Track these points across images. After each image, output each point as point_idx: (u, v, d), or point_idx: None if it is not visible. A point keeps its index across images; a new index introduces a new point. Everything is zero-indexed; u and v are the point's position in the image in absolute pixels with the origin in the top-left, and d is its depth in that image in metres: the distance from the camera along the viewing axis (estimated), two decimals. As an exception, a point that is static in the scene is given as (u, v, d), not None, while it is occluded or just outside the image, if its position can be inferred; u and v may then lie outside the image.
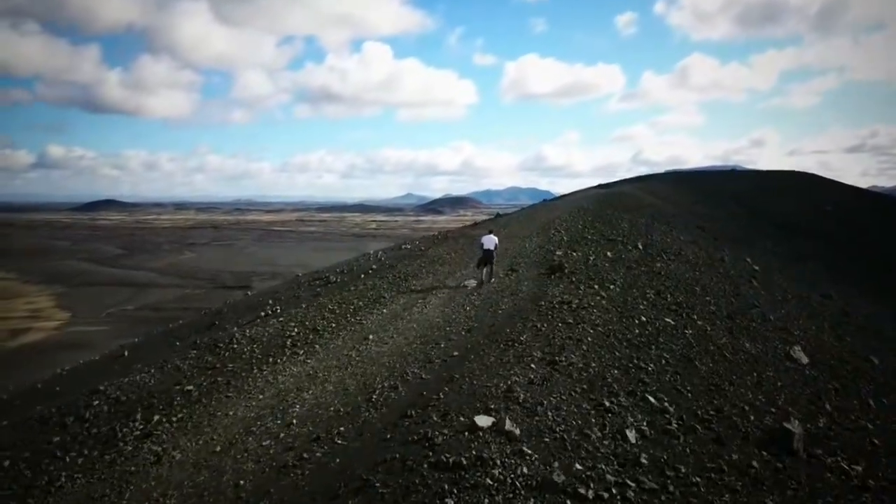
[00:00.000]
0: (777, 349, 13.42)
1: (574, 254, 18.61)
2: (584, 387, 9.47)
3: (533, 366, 10.05)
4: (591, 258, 18.05)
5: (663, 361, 11.04)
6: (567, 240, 21.02)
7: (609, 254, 18.81)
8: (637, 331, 12.37)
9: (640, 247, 20.43)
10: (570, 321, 12.38)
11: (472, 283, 17.05)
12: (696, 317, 14.12)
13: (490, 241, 17.36)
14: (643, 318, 13.11)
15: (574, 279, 15.71)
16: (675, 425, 8.71)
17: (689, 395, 9.91)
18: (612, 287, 15.24)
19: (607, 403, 8.98)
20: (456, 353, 11.19)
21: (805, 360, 13.11)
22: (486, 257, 17.22)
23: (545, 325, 12.18)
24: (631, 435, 8.04)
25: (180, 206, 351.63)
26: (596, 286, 15.11)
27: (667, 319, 13.36)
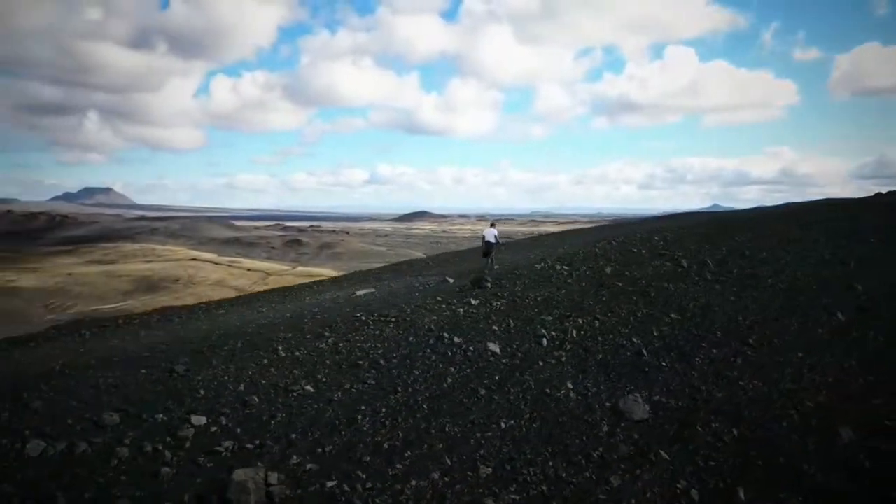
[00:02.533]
0: None
1: None
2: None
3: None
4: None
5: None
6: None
7: None
8: None
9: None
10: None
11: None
12: None
13: (490, 233, 19.78)
14: None
15: None
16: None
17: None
18: None
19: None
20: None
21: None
22: (488, 248, 19.61)
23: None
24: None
25: (482, 217, 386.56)
26: None
27: None
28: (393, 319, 14.05)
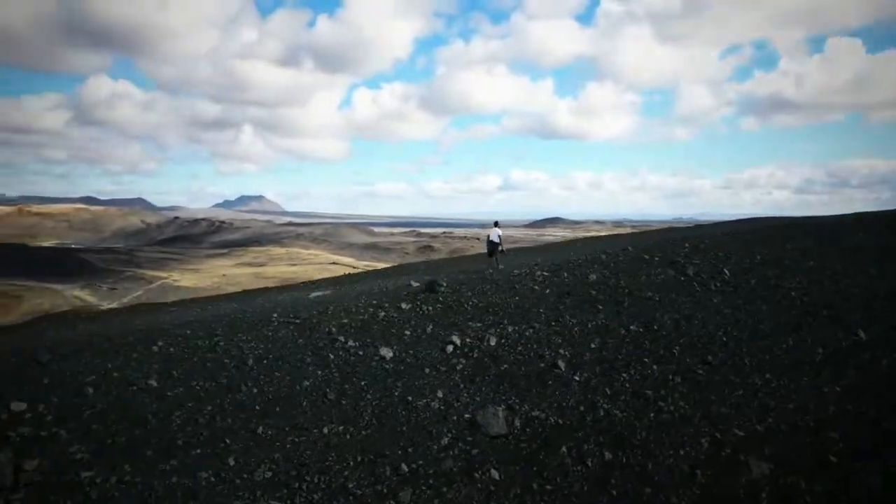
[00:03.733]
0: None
1: None
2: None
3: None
4: None
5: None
6: None
7: None
8: None
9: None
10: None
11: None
12: None
13: (494, 233, 19.39)
14: None
15: None
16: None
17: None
18: None
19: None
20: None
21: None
22: (492, 249, 19.36)
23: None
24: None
25: (618, 223, 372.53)
26: None
27: None
28: (298, 321, 13.74)
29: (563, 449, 9.90)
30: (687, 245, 21.45)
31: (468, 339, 13.07)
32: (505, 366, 12.24)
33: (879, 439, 9.82)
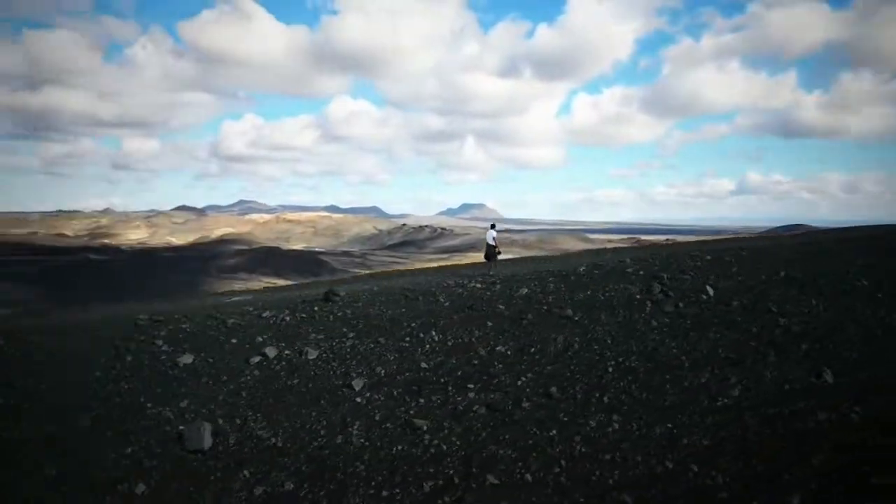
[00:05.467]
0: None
1: None
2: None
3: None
4: None
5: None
6: None
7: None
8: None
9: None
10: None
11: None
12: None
13: (489, 235, 18.77)
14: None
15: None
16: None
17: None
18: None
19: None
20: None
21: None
22: (488, 252, 18.78)
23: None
24: None
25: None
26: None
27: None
28: (163, 322, 13.74)
29: (247, 472, 8.34)
30: (688, 258, 17.44)
31: (287, 352, 11.86)
32: (296, 381, 10.83)
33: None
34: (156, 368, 11.44)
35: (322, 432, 9.25)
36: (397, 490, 7.58)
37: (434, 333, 12.46)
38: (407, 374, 10.86)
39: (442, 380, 10.56)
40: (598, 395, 10.00)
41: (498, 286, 15.45)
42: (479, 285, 15.77)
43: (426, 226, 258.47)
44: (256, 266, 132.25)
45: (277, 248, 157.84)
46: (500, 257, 18.06)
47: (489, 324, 12.85)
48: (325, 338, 12.56)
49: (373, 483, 7.65)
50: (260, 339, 12.67)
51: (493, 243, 17.94)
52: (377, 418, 9.53)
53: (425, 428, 9.12)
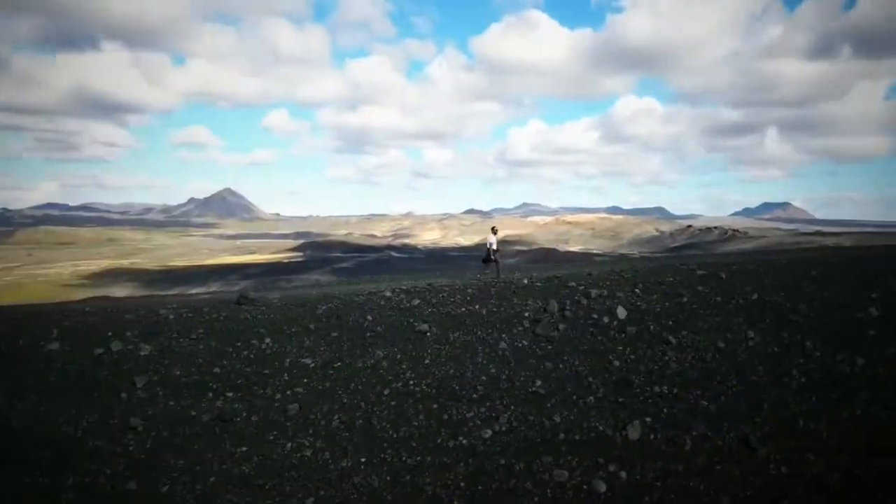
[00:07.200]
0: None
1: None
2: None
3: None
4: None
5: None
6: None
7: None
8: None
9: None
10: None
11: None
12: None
13: (489, 240, 19.03)
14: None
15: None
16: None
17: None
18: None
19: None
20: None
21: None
22: (486, 256, 18.87)
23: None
24: None
25: None
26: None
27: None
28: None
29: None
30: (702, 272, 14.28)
31: (129, 348, 12.23)
32: (105, 373, 11.13)
33: None
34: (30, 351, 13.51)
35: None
36: None
37: (320, 345, 12.58)
38: (192, 377, 11.15)
39: (233, 380, 10.71)
40: (339, 416, 9.51)
41: (442, 294, 14.77)
42: (416, 301, 15.21)
43: (715, 227, 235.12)
44: (531, 265, 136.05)
45: (555, 250, 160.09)
46: None
47: (367, 336, 12.46)
48: (182, 338, 12.93)
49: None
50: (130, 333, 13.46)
51: (495, 248, 18.15)
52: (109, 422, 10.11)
53: (141, 426, 9.51)
